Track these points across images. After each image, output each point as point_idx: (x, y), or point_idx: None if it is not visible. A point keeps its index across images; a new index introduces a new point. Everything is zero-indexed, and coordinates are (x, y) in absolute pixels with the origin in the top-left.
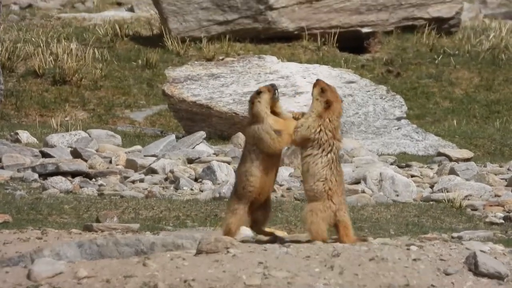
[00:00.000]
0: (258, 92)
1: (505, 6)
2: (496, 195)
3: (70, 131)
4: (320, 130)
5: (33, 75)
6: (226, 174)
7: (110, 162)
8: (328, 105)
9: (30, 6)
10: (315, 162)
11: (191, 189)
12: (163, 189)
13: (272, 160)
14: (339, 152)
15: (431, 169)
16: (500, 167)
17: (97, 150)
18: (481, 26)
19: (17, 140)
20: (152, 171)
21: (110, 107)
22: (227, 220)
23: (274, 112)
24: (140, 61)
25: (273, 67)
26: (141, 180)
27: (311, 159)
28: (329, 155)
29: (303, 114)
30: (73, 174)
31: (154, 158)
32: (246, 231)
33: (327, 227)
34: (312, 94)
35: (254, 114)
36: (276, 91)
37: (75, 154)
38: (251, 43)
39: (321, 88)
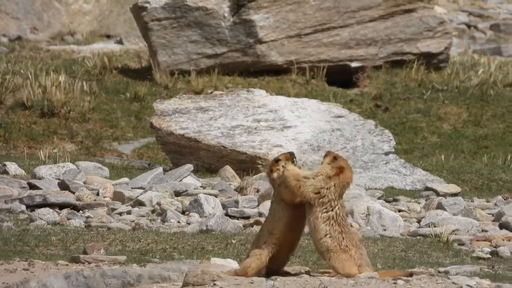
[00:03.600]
0: (277, 160)
1: (494, 42)
2: (483, 230)
3: (58, 163)
4: (328, 188)
5: (21, 107)
6: (213, 207)
7: (98, 194)
8: (340, 170)
9: (19, 38)
10: (317, 217)
11: (178, 222)
12: (150, 222)
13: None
14: (344, 211)
15: (419, 203)
16: (487, 202)
17: (84, 182)
18: (470, 62)
19: (5, 172)
20: (139, 203)
21: (98, 139)
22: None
23: None
24: (128, 94)
25: (261, 101)
26: (128, 212)
27: (314, 215)
28: (330, 213)
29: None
30: (61, 206)
31: (142, 191)
32: (232, 264)
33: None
34: (322, 163)
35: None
36: (294, 159)
37: (63, 186)
38: (240, 77)
39: (333, 156)
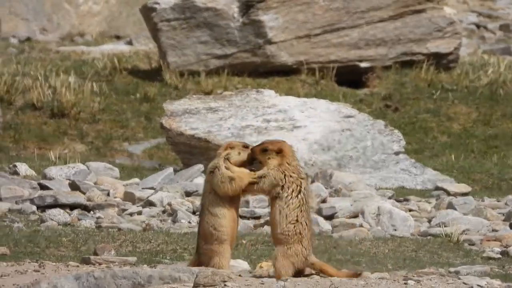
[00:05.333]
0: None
1: (504, 42)
2: (493, 230)
3: (69, 163)
4: (285, 175)
5: (31, 108)
6: None
7: (108, 194)
8: (279, 151)
9: (29, 39)
10: (287, 203)
11: (189, 222)
12: (160, 222)
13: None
14: (309, 193)
15: (429, 203)
16: (498, 201)
17: (95, 183)
18: (479, 62)
19: (16, 173)
20: (150, 204)
21: (108, 140)
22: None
23: None
24: (138, 95)
25: (271, 101)
26: (139, 213)
27: (282, 201)
28: (299, 196)
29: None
30: (71, 207)
31: (152, 191)
32: (243, 265)
33: (294, 271)
34: (261, 161)
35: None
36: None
37: (73, 186)
38: (250, 77)
39: (260, 149)
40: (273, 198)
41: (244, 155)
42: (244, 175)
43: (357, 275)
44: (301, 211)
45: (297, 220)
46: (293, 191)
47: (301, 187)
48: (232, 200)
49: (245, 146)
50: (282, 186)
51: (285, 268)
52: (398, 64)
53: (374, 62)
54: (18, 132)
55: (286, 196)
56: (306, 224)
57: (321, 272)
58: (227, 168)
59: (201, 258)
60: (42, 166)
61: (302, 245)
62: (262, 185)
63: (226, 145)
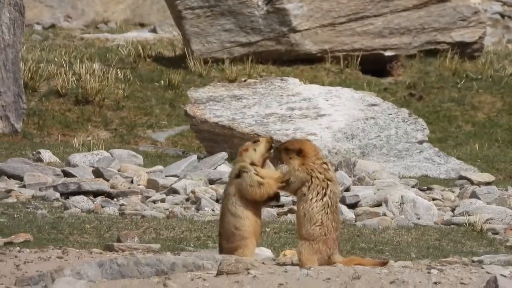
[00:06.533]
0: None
1: None
2: None
3: (92, 150)
4: (311, 176)
5: (55, 95)
6: None
7: (132, 182)
8: (300, 153)
9: (53, 26)
10: (311, 206)
11: (213, 210)
12: (184, 210)
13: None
14: (337, 197)
15: (453, 192)
16: None
17: (118, 170)
18: (504, 51)
19: (39, 159)
20: (173, 192)
21: (132, 127)
22: None
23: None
24: (162, 82)
25: (295, 89)
26: (162, 200)
27: (306, 204)
28: (324, 199)
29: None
30: (95, 194)
31: (176, 179)
32: (266, 253)
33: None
34: (284, 161)
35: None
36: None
37: (97, 173)
38: (274, 65)
39: (282, 149)
40: (299, 197)
41: (261, 147)
42: (273, 181)
43: (383, 263)
44: (327, 213)
45: (322, 223)
46: (318, 193)
47: (327, 189)
48: (257, 202)
49: (255, 141)
50: (308, 187)
51: (310, 261)
52: (422, 53)
53: (399, 50)
54: (42, 119)
55: (311, 199)
56: (332, 226)
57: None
58: (256, 173)
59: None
60: (66, 153)
61: (327, 246)
62: (291, 185)
63: (240, 151)
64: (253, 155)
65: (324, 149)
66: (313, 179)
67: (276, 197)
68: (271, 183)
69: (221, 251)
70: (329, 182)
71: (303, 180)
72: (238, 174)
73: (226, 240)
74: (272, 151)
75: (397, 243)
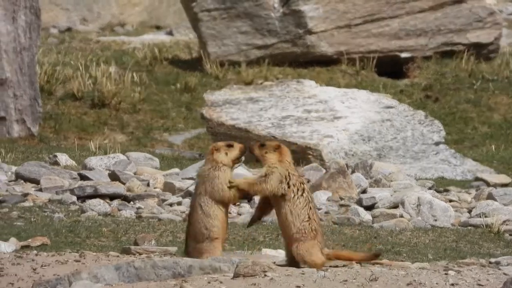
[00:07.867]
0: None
1: None
2: None
3: (109, 154)
4: (289, 172)
5: (71, 98)
6: None
7: (148, 185)
8: (277, 147)
9: (69, 29)
10: (295, 203)
11: (229, 213)
12: None
13: None
14: (311, 195)
15: (469, 194)
16: None
17: (135, 173)
18: None
19: (56, 163)
20: (189, 194)
21: (149, 130)
22: None
23: None
24: (178, 85)
25: (311, 91)
26: (179, 203)
27: (290, 202)
28: (304, 194)
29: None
30: (111, 197)
31: (192, 181)
32: (283, 255)
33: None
34: (258, 156)
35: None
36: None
37: (113, 177)
38: (290, 67)
39: (258, 145)
40: (278, 200)
41: (233, 153)
42: (243, 183)
43: (375, 256)
44: (310, 208)
45: (309, 217)
46: (298, 189)
47: (304, 184)
48: (226, 204)
49: (229, 145)
50: (288, 183)
51: (318, 258)
52: (438, 55)
53: (415, 52)
54: (58, 123)
55: (293, 197)
56: (317, 220)
57: (338, 259)
58: (227, 177)
59: (190, 256)
60: (82, 156)
61: (317, 240)
62: (270, 181)
63: (212, 149)
64: (223, 157)
65: (341, 151)
66: (291, 175)
67: (245, 197)
68: (241, 186)
69: (187, 249)
70: (303, 178)
71: (282, 174)
72: (207, 178)
73: (194, 239)
74: (242, 159)
75: (414, 245)
